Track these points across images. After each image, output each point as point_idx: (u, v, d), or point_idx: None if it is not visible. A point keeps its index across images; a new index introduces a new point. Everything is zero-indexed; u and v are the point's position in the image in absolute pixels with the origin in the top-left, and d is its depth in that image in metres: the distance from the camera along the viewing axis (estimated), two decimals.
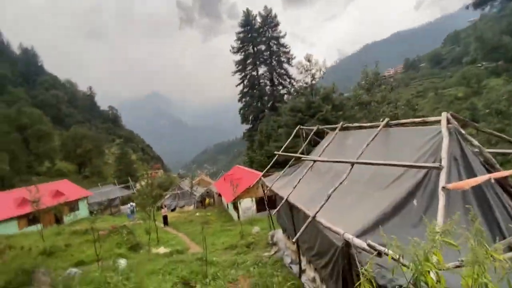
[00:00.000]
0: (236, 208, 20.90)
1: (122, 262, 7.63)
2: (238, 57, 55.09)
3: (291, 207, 6.57)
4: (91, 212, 31.47)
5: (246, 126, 56.92)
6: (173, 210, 29.45)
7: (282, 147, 29.82)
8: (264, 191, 11.20)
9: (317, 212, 4.82)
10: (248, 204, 20.24)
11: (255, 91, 54.45)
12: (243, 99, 54.82)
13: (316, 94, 29.70)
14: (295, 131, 11.41)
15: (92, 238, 10.84)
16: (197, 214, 25.28)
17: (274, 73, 54.91)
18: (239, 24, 56.12)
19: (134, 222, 23.90)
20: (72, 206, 28.04)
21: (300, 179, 6.74)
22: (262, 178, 10.92)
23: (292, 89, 53.36)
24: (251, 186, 20.25)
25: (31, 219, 23.61)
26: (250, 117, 54.49)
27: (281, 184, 8.55)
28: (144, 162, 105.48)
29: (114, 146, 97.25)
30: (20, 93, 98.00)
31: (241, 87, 55.64)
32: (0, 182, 41.30)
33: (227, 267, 7.80)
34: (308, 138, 9.80)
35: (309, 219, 4.86)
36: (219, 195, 32.10)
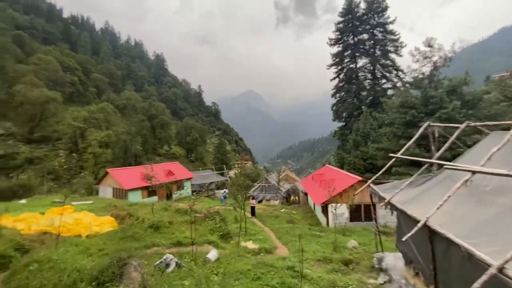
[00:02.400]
0: (325, 212, 19.02)
1: (214, 253, 7.42)
2: (336, 49, 51.23)
3: (431, 236, 4.61)
4: (193, 192, 36.10)
5: (337, 124, 52.69)
6: (259, 201, 30.11)
7: (383, 149, 25.53)
8: (371, 200, 9.13)
9: (508, 261, 2.84)
10: (340, 210, 17.98)
11: (352, 85, 49.40)
12: (337, 94, 50.72)
13: (437, 87, 23.70)
14: (421, 129, 8.71)
15: (190, 219, 11.59)
16: (283, 210, 24.70)
17: (377, 65, 48.20)
18: (339, 14, 51.85)
19: (225, 207, 25.64)
20: (179, 184, 32.59)
21: (449, 196, 4.63)
22: (372, 185, 8.86)
23: (399, 83, 45.59)
24: (346, 190, 17.88)
25: (150, 191, 28.81)
26: (344, 114, 49.96)
27: (406, 198, 6.46)
28: (236, 153, 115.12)
29: (213, 137, 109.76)
30: (152, 90, 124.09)
31: (336, 81, 51.66)
32: (134, 159, 52.86)
33: (324, 287, 6.45)
34: (452, 139, 7.10)
35: (491, 271, 2.91)
36: (305, 194, 30.66)
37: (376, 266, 8.37)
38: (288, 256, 9.53)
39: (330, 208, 17.76)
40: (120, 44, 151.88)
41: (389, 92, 46.78)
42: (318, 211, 21.51)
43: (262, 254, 9.92)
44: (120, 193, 27.65)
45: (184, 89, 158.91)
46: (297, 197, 33.83)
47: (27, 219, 10.98)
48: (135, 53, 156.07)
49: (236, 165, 75.90)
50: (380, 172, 9.35)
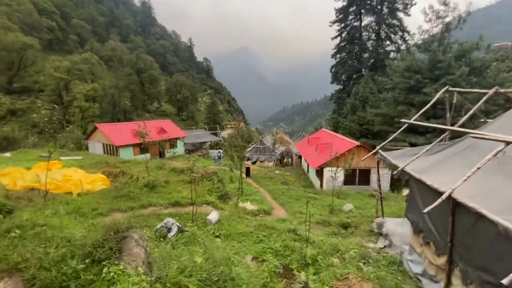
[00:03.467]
0: (319, 175, 19.20)
1: (215, 214, 7.16)
2: (340, 3, 47.15)
3: (453, 208, 4.31)
4: (187, 151, 35.77)
5: (331, 88, 51.19)
6: (253, 163, 30.25)
7: (381, 114, 25.08)
8: (377, 166, 8.88)
9: None
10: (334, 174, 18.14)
11: (354, 45, 46.83)
12: (338, 55, 48.27)
13: (445, 51, 22.50)
14: (438, 94, 8.05)
15: (187, 178, 11.23)
16: (277, 172, 24.93)
17: (383, 24, 45.22)
18: None
19: (219, 167, 25.61)
20: (172, 143, 32.00)
21: (478, 168, 4.23)
22: (380, 151, 8.48)
23: (403, 46, 43.48)
24: (343, 154, 17.76)
25: (142, 148, 28.20)
26: (343, 77, 48.28)
27: (420, 167, 6.09)
28: (228, 113, 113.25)
29: (205, 96, 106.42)
30: (138, 41, 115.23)
31: (337, 41, 48.72)
32: (123, 115, 51.02)
33: (327, 252, 6.40)
34: (479, 105, 6.51)
35: None
36: (299, 156, 30.89)
37: (376, 230, 8.45)
38: (287, 218, 9.52)
39: (327, 171, 17.85)
40: None
41: (392, 55, 44.85)
42: (312, 174, 21.77)
43: (261, 215, 9.88)
44: (111, 149, 26.98)
45: (174, 42, 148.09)
46: (290, 160, 34.17)
47: (12, 174, 10.34)
48: None
49: (229, 125, 75.05)
50: (391, 138, 8.95)
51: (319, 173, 18.79)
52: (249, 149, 33.75)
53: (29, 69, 51.36)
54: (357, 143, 18.30)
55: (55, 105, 45.34)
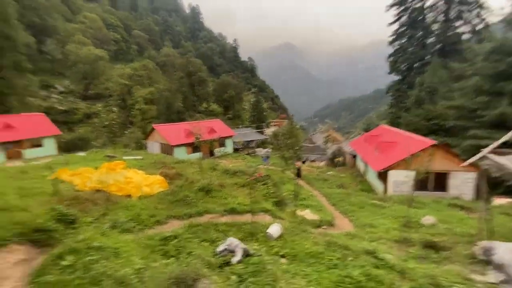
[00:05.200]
0: (383, 178, 16.91)
1: (276, 228, 6.28)
2: None
3: None
4: (235, 149, 36.14)
5: (383, 80, 46.10)
6: (303, 162, 28.83)
7: (457, 107, 21.21)
8: (481, 173, 6.94)
9: None
10: (403, 178, 15.72)
11: (416, 30, 41.28)
12: (397, 42, 43.16)
13: None
14: None
15: (241, 181, 10.65)
16: (330, 172, 23.13)
17: (453, 3, 38.82)
18: None
19: (268, 166, 24.95)
20: (221, 142, 32.51)
21: None
22: (489, 155, 6.55)
23: (482, 25, 36.69)
24: (415, 154, 15.27)
25: (194, 147, 29.23)
26: (402, 66, 43.05)
27: None
28: (272, 110, 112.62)
29: (250, 94, 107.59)
30: (188, 46, 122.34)
31: (395, 26, 43.59)
32: (177, 116, 54.30)
33: (424, 287, 4.97)
34: None
35: None
36: (353, 156, 28.37)
37: (481, 257, 6.55)
38: (356, 233, 8.15)
39: (393, 174, 15.61)
40: None
41: (465, 37, 38.26)
42: (372, 177, 19.47)
43: (324, 227, 8.72)
44: (167, 149, 28.52)
45: (220, 43, 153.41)
46: (342, 159, 31.73)
47: (83, 174, 11.11)
48: (171, 7, 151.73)
49: (273, 123, 74.27)
50: (502, 140, 6.89)
51: (383, 176, 16.54)
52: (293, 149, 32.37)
53: (100, 77, 58.39)
54: (432, 141, 15.52)
55: (122, 109, 50.57)
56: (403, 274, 5.35)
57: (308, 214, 9.36)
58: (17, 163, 18.17)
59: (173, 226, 6.32)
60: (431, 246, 7.59)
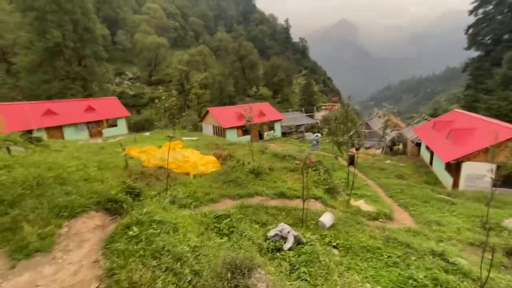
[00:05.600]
0: (454, 171, 14.67)
1: (329, 217, 5.99)
2: None
3: None
4: (283, 133, 35.90)
5: (461, 57, 38.72)
6: (357, 149, 26.96)
7: None
8: None
9: None
10: (481, 171, 13.37)
11: None
12: (480, 10, 35.56)
13: None
14: None
15: (290, 166, 10.47)
16: (388, 161, 21.17)
17: None
18: None
19: (318, 152, 24.12)
20: (271, 125, 32.52)
21: None
22: None
23: None
24: (500, 144, 12.78)
25: (245, 130, 29.91)
26: (486, 39, 35.57)
27: None
28: (323, 93, 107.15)
29: (300, 77, 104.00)
30: (240, 30, 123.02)
31: None
32: (228, 99, 56.07)
33: None
34: None
35: None
36: (417, 144, 25.34)
37: None
38: (420, 230, 7.28)
39: (467, 167, 13.43)
40: None
41: None
42: (439, 168, 17.12)
43: (380, 219, 8.03)
44: (219, 131, 29.85)
45: (271, 25, 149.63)
46: (402, 147, 28.67)
47: (148, 151, 12.38)
48: None
49: (323, 107, 70.90)
50: None
51: (454, 168, 14.33)
52: (347, 134, 30.35)
53: (162, 64, 63.40)
54: None
55: (180, 93, 54.44)
56: (476, 282, 4.59)
57: (363, 204, 8.73)
58: (98, 140, 21.35)
59: (226, 205, 6.57)
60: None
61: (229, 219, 5.15)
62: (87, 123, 26.45)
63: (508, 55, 25.65)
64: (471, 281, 4.69)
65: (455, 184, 14.08)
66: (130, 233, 3.05)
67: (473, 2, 36.50)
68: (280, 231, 4.16)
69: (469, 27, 37.43)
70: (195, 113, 46.71)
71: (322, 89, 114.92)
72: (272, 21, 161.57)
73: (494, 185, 12.19)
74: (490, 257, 6.26)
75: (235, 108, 34.13)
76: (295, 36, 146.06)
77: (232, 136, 28.72)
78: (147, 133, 24.99)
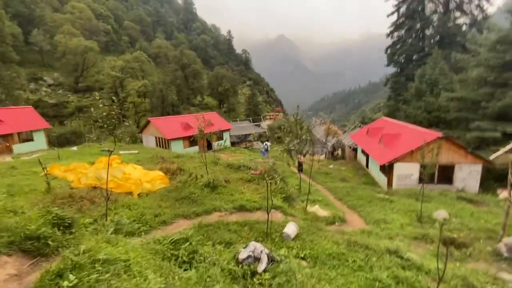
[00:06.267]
0: (386, 171, 16.62)
1: (293, 227, 5.83)
2: None
3: None
4: (232, 143, 35.51)
5: (379, 73, 45.84)
6: (303, 156, 28.43)
7: (460, 98, 21.03)
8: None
9: None
10: (409, 171, 15.48)
11: (415, 21, 40.86)
12: (395, 33, 42.75)
13: None
14: None
15: (246, 176, 10.13)
16: (331, 166, 22.81)
17: None
18: None
19: (268, 160, 24.47)
20: (219, 135, 31.82)
21: None
22: None
23: (481, 16, 36.47)
24: (421, 147, 14.96)
25: (192, 141, 28.50)
26: (401, 58, 42.74)
27: None
28: (267, 104, 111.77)
29: (245, 87, 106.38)
30: (181, 38, 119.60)
31: (394, 17, 43.07)
32: (171, 109, 53.17)
33: (459, 286, 4.61)
34: None
35: None
36: (353, 149, 28.13)
37: (506, 254, 6.25)
38: (371, 230, 7.77)
39: (399, 167, 15.34)
40: None
41: (465, 29, 38.02)
42: (375, 170, 19.21)
43: (337, 223, 8.32)
44: (163, 142, 27.73)
45: (214, 35, 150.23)
46: (341, 152, 31.49)
47: (77, 169, 10.45)
48: None
49: (268, 116, 73.92)
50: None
51: (387, 169, 16.24)
52: (296, 141, 31.95)
53: (90, 69, 56.49)
54: (439, 133, 15.23)
55: (114, 102, 49.16)
56: (428, 273, 4.98)
57: (318, 210, 8.94)
58: (6, 158, 17.26)
59: (181, 227, 5.80)
60: (450, 242, 7.27)
61: (188, 243, 4.46)
62: None
63: (419, 72, 31.12)
64: (424, 274, 5.05)
65: (389, 183, 15.95)
66: (65, 283, 2.15)
67: (389, 27, 43.49)
68: (253, 252, 3.74)
69: (387, 48, 44.32)
70: (133, 123, 42.69)
71: (266, 99, 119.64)
72: (215, 32, 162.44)
73: (421, 182, 14.17)
74: (431, 247, 7.01)
75: (180, 117, 32.44)
76: (237, 48, 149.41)
77: (177, 147, 26.99)
78: (75, 148, 21.48)
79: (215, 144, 27.76)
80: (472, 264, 6.15)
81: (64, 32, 55.27)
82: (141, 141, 31.97)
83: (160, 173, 9.41)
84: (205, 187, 8.17)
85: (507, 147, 6.08)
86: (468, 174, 14.94)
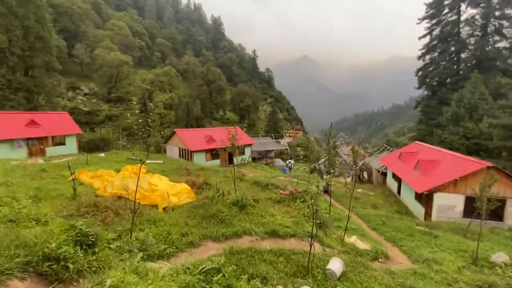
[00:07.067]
0: (424, 201, 15.07)
1: (338, 264, 4.97)
2: None
3: None
4: (253, 158, 35.01)
5: (403, 96, 43.90)
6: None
7: (506, 126, 19.12)
8: None
9: None
10: (452, 202, 13.90)
11: (449, 44, 39.31)
12: (427, 56, 41.29)
13: None
14: None
15: (275, 196, 9.40)
16: (360, 190, 21.39)
17: (492, 17, 36.73)
18: None
19: (289, 179, 23.49)
20: (241, 150, 31.50)
21: None
22: None
23: None
24: (466, 176, 13.51)
25: (214, 154, 28.33)
26: (433, 81, 40.89)
27: None
28: (287, 121, 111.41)
29: (266, 104, 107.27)
30: (209, 55, 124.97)
31: (426, 40, 41.81)
32: (195, 122, 54.24)
33: None
34: None
35: None
36: (382, 173, 26.45)
37: None
38: (423, 271, 6.62)
39: (440, 197, 13.85)
40: (181, 9, 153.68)
41: (504, 53, 35.89)
42: (409, 198, 17.61)
43: (380, 259, 7.25)
44: (186, 154, 27.81)
45: (239, 54, 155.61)
46: (367, 176, 29.78)
47: (103, 176, 10.31)
48: (194, 17, 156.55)
49: (288, 134, 73.20)
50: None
51: (425, 198, 14.72)
52: (321, 161, 30.77)
53: (123, 81, 59.81)
54: (487, 163, 13.66)
55: (142, 113, 51.16)
56: None
57: (357, 241, 7.91)
58: (39, 160, 17.88)
59: (210, 250, 5.16)
60: None
61: (220, 275, 3.81)
62: (27, 140, 22.46)
63: (456, 96, 29.31)
64: None
65: (428, 214, 14.37)
66: None
67: (421, 49, 42.12)
68: None
69: (418, 70, 42.72)
70: (158, 134, 43.78)
71: (286, 117, 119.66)
72: (240, 51, 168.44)
73: (466, 216, 12.56)
74: None
75: (204, 130, 32.70)
76: (261, 66, 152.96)
77: (200, 159, 26.89)
78: (102, 154, 21.98)
79: (240, 159, 27.39)
80: None
81: (103, 47, 59.57)
82: (165, 151, 32.36)
83: (187, 186, 8.97)
84: (233, 205, 7.54)
85: None
86: None
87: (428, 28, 40.91)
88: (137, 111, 52.39)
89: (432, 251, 8.65)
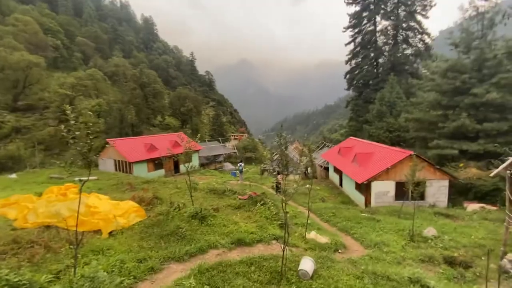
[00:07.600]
0: (363, 190, 16.89)
1: (309, 263, 5.00)
2: (353, 8, 46.24)
3: None
4: (201, 164, 33.67)
5: (333, 96, 49.69)
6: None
7: (418, 119, 22.97)
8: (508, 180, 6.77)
9: None
10: (385, 188, 15.90)
11: (369, 50, 45.49)
12: (353, 61, 46.92)
13: (489, 49, 20.58)
14: None
15: (234, 202, 9.10)
16: (307, 186, 22.60)
17: (400, 28, 44.06)
18: None
19: (241, 182, 23.37)
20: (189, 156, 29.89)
21: None
22: None
23: (423, 47, 42.26)
24: (395, 165, 15.63)
25: (157, 164, 26.16)
26: (359, 83, 46.68)
27: None
28: (231, 124, 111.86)
29: (208, 108, 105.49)
30: (141, 57, 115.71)
31: (351, 46, 47.46)
32: (131, 129, 49.39)
33: None
34: None
35: None
36: (325, 168, 28.72)
37: (504, 268, 6.21)
38: (376, 255, 7.27)
39: (376, 186, 15.66)
40: (105, 5, 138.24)
41: (411, 59, 43.56)
42: (350, 189, 19.49)
43: (339, 250, 7.67)
44: (124, 166, 24.92)
45: (176, 56, 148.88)
46: (312, 171, 31.92)
47: (21, 203, 8.29)
48: (122, 16, 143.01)
49: (233, 137, 73.57)
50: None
51: (364, 187, 16.50)
52: (271, 162, 31.57)
53: (34, 87, 50.34)
54: (410, 152, 16.12)
55: (62, 122, 43.81)
56: None
57: (317, 236, 8.23)
58: None
59: (174, 273, 4.57)
60: (451, 262, 7.13)
61: None
62: None
63: (378, 96, 34.11)
64: None
65: (367, 201, 16.15)
66: None
67: (347, 55, 47.61)
68: None
69: (346, 73, 48.26)
70: (84, 146, 38.15)
71: (230, 120, 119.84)
72: (177, 53, 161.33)
73: (398, 199, 14.49)
74: (440, 270, 6.71)
75: (143, 138, 30.00)
76: (200, 70, 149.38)
77: (141, 171, 24.43)
78: (14, 175, 17.92)
79: (188, 166, 25.82)
80: (484, 285, 5.95)
81: (5, 45, 49.04)
82: (96, 166, 28.38)
83: (134, 204, 7.89)
84: (192, 218, 6.96)
85: (506, 163, 6.47)
86: (437, 190, 15.90)
87: (352, 36, 46.56)
88: (55, 121, 44.75)
89: (378, 234, 9.66)
